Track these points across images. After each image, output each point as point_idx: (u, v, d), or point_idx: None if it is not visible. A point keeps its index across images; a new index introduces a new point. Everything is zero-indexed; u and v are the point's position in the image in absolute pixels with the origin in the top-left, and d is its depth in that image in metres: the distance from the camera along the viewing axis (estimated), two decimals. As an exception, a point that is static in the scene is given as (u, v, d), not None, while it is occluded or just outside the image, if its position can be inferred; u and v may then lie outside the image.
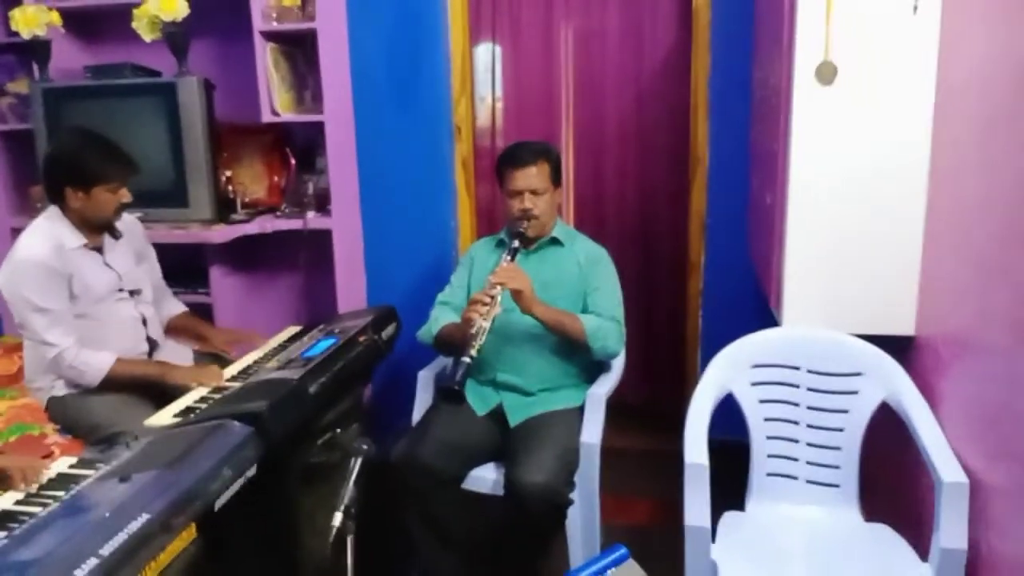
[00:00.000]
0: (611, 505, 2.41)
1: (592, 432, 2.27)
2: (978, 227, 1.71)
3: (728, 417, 2.12)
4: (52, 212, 2.36)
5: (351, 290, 3.19)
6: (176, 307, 2.78)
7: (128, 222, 2.55)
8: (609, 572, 1.30)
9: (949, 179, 1.88)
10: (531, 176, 2.40)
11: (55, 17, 3.00)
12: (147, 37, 2.93)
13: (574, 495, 2.20)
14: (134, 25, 2.90)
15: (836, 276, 2.07)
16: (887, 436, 2.09)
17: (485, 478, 2.30)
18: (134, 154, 2.37)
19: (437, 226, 3.31)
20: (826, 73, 1.96)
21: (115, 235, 2.46)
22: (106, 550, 1.39)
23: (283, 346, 2.60)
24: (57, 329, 2.28)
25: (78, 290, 2.33)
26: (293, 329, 2.82)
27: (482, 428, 2.37)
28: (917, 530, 1.93)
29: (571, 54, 3.50)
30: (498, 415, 2.39)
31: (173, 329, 2.75)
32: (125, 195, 2.36)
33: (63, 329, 2.29)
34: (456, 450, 2.26)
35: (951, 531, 1.67)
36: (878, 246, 2.03)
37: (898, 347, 2.06)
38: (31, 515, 1.57)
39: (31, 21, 2.96)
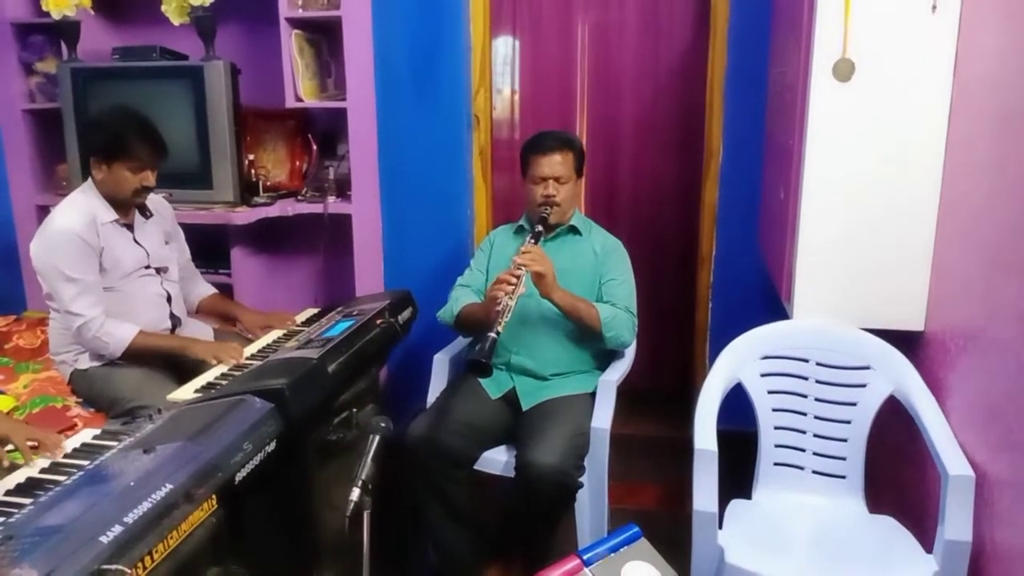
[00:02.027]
0: (618, 490, 2.44)
1: (603, 417, 2.31)
2: (989, 223, 1.73)
3: (736, 408, 2.16)
4: (87, 186, 2.42)
5: (368, 274, 3.24)
6: (206, 288, 2.84)
7: (158, 203, 2.60)
8: (622, 550, 1.33)
9: (962, 177, 1.90)
10: (556, 163, 2.44)
11: (85, -2, 3.06)
12: (176, 21, 2.97)
13: (583, 479, 2.24)
14: (163, 9, 2.95)
15: (847, 271, 2.09)
16: (894, 429, 2.12)
17: (497, 460, 2.34)
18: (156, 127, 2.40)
19: (454, 214, 3.35)
20: (843, 70, 1.98)
21: (145, 214, 2.51)
22: (130, 518, 1.42)
23: (302, 326, 2.65)
24: (85, 299, 2.33)
25: (108, 264, 2.39)
26: (311, 310, 2.88)
27: (495, 411, 2.41)
28: (921, 522, 1.96)
29: (588, 49, 3.52)
30: (511, 399, 2.44)
31: (204, 310, 2.81)
32: (148, 179, 2.39)
33: (92, 300, 2.34)
34: (469, 431, 2.31)
35: (956, 523, 1.70)
36: (890, 242, 2.05)
37: (907, 341, 2.09)
38: (56, 483, 1.62)
39: (61, 2, 3.01)
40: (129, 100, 2.79)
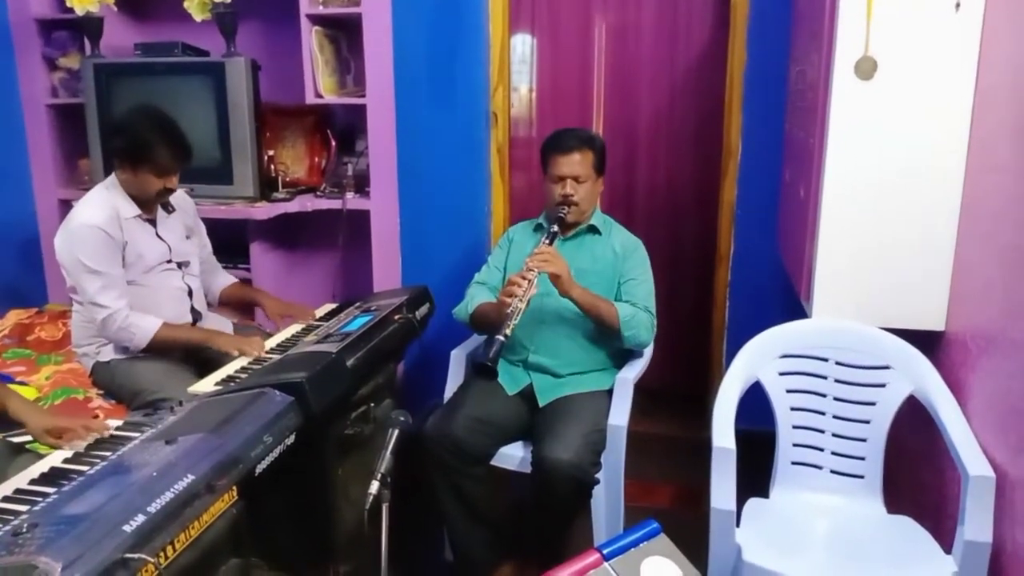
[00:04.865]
0: (633, 488, 2.45)
1: (620, 415, 2.31)
2: (1011, 224, 1.72)
3: (754, 407, 2.15)
4: (110, 181, 2.44)
5: (386, 270, 3.26)
6: (228, 279, 2.87)
7: (180, 198, 2.62)
8: (641, 545, 1.33)
9: (984, 177, 1.89)
10: (574, 163, 2.43)
11: (108, -5, 3.08)
12: (197, 17, 3.00)
13: (599, 475, 2.25)
14: (185, 5, 2.97)
15: (868, 270, 2.08)
16: (913, 429, 2.11)
17: (513, 455, 2.35)
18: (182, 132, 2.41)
19: (471, 211, 3.36)
20: (866, 68, 1.97)
21: (168, 209, 2.53)
22: (153, 507, 1.44)
23: (321, 321, 2.67)
24: (110, 292, 2.35)
25: (130, 258, 2.41)
26: (330, 306, 2.90)
27: (512, 407, 2.42)
28: (940, 523, 1.95)
29: (605, 47, 3.52)
30: (528, 395, 2.44)
31: (227, 299, 2.83)
32: (172, 182, 2.41)
33: (116, 292, 2.36)
34: (486, 427, 2.31)
35: (976, 524, 1.69)
36: (911, 241, 2.04)
37: (927, 341, 2.08)
38: (80, 473, 1.64)
39: (85, -2, 3.04)
40: (151, 96, 2.83)
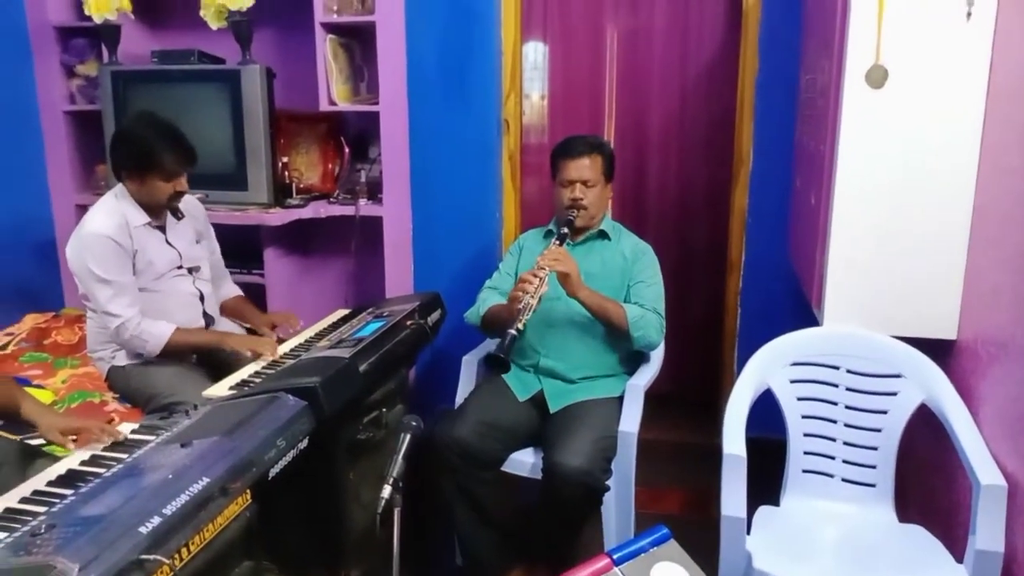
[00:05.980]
0: (643, 495, 2.44)
1: (631, 421, 2.31)
2: (1021, 231, 1.72)
3: (765, 415, 2.15)
4: (119, 190, 2.46)
5: (399, 276, 3.27)
6: (233, 290, 2.88)
7: (190, 203, 2.64)
8: (651, 551, 1.33)
9: (996, 185, 1.89)
10: (584, 167, 2.46)
11: (125, 3, 3.11)
12: (213, 25, 3.02)
13: (610, 482, 2.25)
14: (201, 13, 3.00)
15: (879, 278, 2.08)
16: (924, 437, 2.11)
17: (524, 461, 2.35)
18: (197, 138, 2.43)
19: (483, 217, 3.37)
20: (876, 77, 1.97)
21: (177, 215, 2.54)
22: (169, 509, 1.46)
23: (333, 326, 2.69)
24: (121, 300, 2.37)
25: (141, 266, 2.43)
26: (342, 311, 2.92)
27: (523, 412, 2.43)
28: (952, 532, 1.94)
29: (617, 54, 3.53)
30: (539, 401, 2.45)
31: (226, 310, 2.84)
32: (181, 184, 2.42)
33: (127, 300, 2.38)
34: (497, 432, 2.32)
35: (988, 533, 1.69)
36: (922, 250, 2.04)
37: (939, 350, 2.07)
38: (97, 475, 1.65)
39: (103, 6, 3.07)
40: (167, 102, 2.85)
